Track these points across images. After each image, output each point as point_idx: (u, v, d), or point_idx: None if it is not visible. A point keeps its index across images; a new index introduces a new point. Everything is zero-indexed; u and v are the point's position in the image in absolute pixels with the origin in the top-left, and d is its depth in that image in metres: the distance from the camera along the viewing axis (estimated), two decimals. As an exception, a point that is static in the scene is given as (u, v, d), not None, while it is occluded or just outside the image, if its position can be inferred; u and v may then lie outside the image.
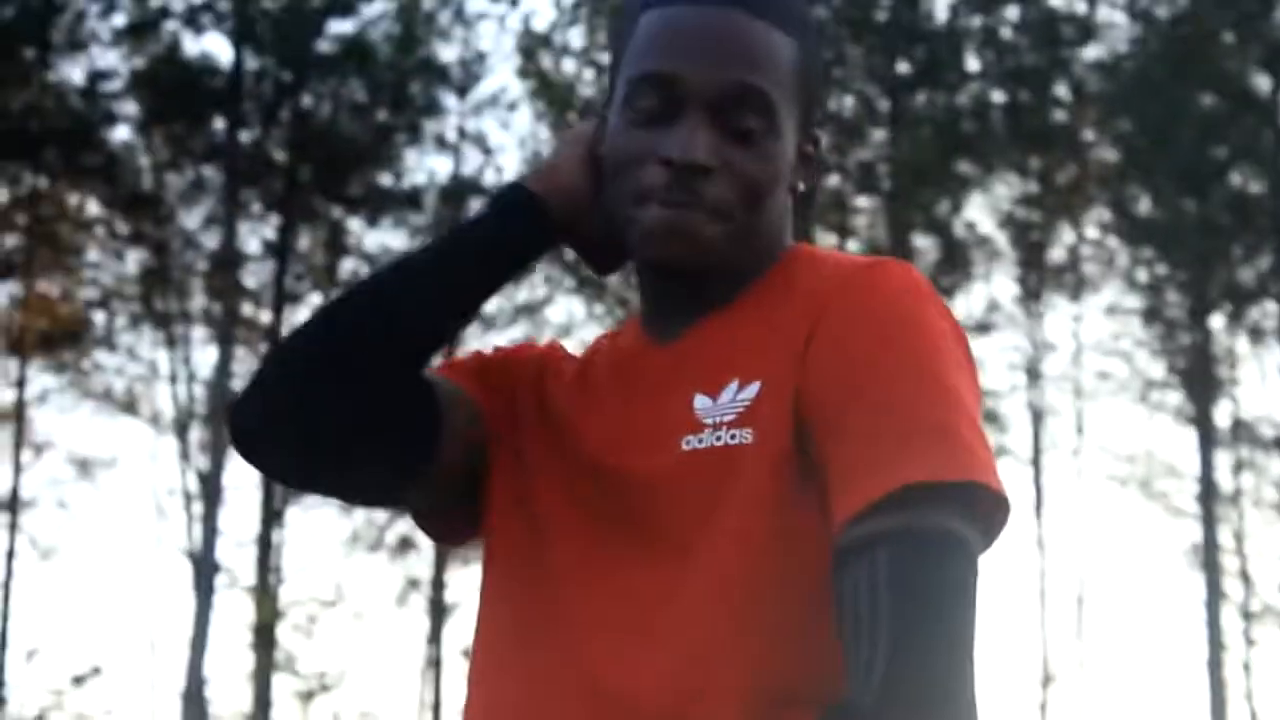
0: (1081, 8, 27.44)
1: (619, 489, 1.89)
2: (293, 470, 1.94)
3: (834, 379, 1.77)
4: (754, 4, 1.90)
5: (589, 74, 28.06)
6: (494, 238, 1.95)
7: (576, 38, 27.98)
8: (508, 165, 28.70)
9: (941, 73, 26.70)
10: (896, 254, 23.93)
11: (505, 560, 1.96)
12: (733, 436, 1.82)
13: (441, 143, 28.39)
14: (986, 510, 1.71)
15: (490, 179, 28.18)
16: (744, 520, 1.79)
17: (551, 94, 28.03)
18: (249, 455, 1.94)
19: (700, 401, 1.87)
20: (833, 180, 27.69)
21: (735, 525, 1.79)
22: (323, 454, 1.92)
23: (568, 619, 1.88)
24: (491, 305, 24.27)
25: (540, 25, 28.07)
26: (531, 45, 28.05)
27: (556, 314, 29.64)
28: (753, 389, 1.84)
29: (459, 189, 27.96)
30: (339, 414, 1.90)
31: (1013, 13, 27.06)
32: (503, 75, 50.68)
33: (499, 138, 50.61)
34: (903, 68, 27.29)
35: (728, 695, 1.76)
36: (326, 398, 1.89)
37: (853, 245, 27.38)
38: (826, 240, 27.67)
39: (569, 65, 28.38)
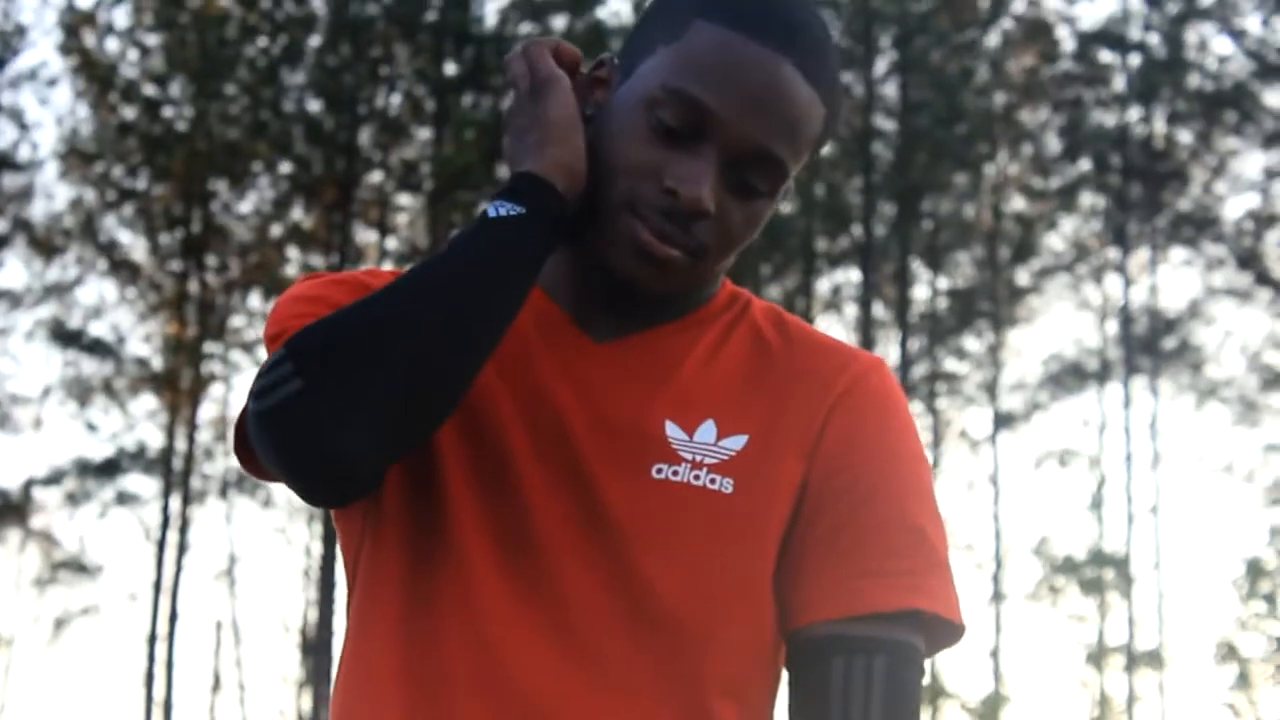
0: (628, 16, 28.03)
1: (590, 494, 1.86)
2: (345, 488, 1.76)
3: (851, 479, 1.86)
4: (810, 67, 1.87)
5: (133, 54, 27.47)
6: (526, 235, 1.83)
7: (122, 17, 27.39)
8: (43, 141, 27.81)
9: (488, 76, 26.94)
10: (434, 252, 24.13)
11: (455, 506, 1.87)
12: (712, 480, 1.85)
13: (-26, 114, 27.39)
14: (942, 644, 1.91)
15: (24, 154, 27.35)
16: (709, 566, 1.82)
17: (93, 72, 27.35)
18: (329, 481, 1.73)
19: (674, 431, 1.87)
20: (375, 177, 27.71)
21: (700, 568, 1.82)
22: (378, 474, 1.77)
23: (486, 598, 1.84)
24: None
25: (84, 2, 27.25)
26: (74, 22, 27.32)
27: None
28: (739, 440, 1.87)
29: (-10, 162, 27.02)
30: (418, 429, 1.76)
31: (560, 22, 27.46)
32: (43, 50, 48.95)
33: (36, 113, 48.78)
34: (450, 69, 27.44)
35: None
36: (416, 416, 1.75)
37: (392, 243, 27.44)
38: (367, 237, 27.68)
39: (112, 44, 27.76)
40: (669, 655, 1.81)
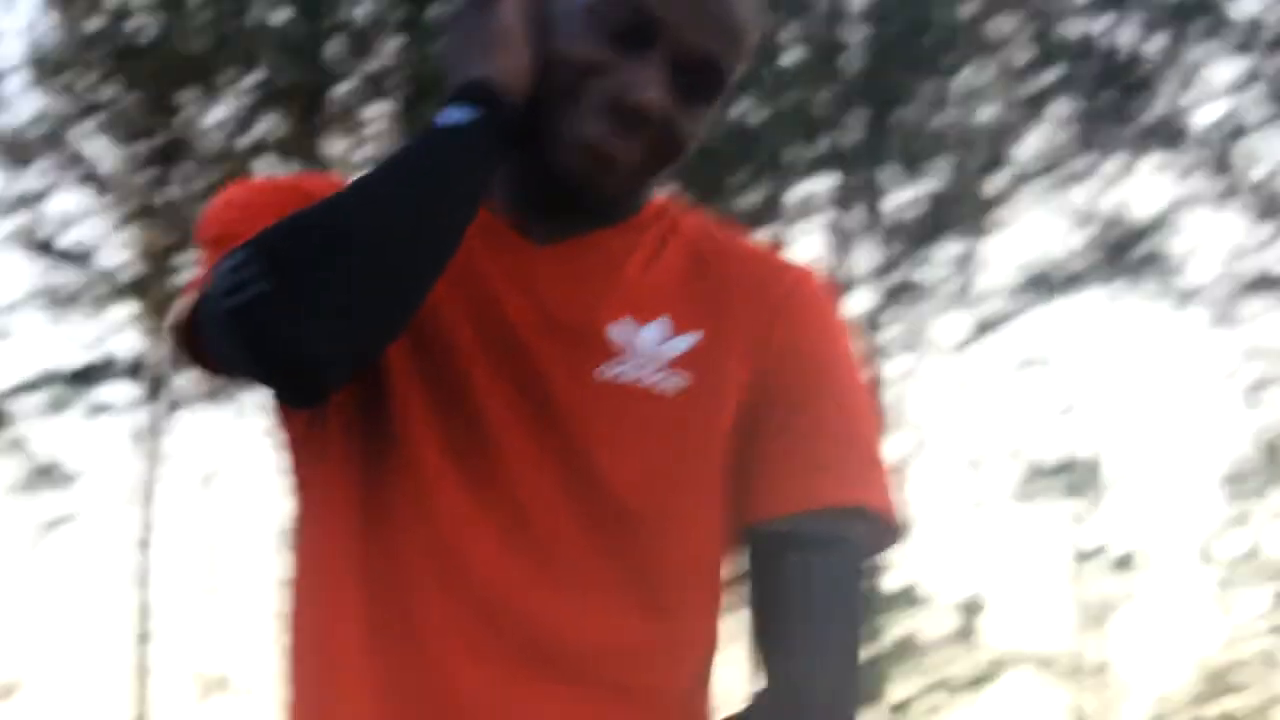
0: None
1: (540, 393, 1.91)
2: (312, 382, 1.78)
3: (798, 379, 1.95)
4: None
5: (99, -37, 27.26)
6: (481, 140, 1.84)
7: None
8: (9, 51, 27.68)
9: (457, -15, 26.74)
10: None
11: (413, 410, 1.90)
12: (661, 379, 1.92)
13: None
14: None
15: (-9, 65, 27.15)
16: (661, 462, 1.90)
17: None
18: (293, 373, 1.77)
19: (621, 331, 1.94)
20: (345, 88, 27.53)
21: (652, 465, 1.90)
22: (348, 370, 1.80)
23: (447, 506, 1.88)
24: None
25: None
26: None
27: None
28: (686, 340, 1.94)
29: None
30: (387, 330, 1.80)
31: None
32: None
33: (2, 22, 48.41)
34: (419, -24, 27.23)
35: (622, 631, 1.88)
36: (385, 318, 1.78)
37: (363, 153, 27.32)
38: (337, 147, 27.54)
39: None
40: (625, 551, 1.88)
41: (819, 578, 1.89)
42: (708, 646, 1.96)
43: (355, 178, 1.83)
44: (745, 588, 1.93)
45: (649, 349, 1.92)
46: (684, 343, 1.93)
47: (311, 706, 1.94)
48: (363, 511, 1.89)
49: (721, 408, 1.92)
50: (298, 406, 1.80)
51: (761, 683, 1.91)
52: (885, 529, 1.97)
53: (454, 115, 1.86)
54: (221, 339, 1.78)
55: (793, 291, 1.98)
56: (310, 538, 1.96)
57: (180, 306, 1.90)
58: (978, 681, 27.75)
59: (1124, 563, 28.51)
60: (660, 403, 1.90)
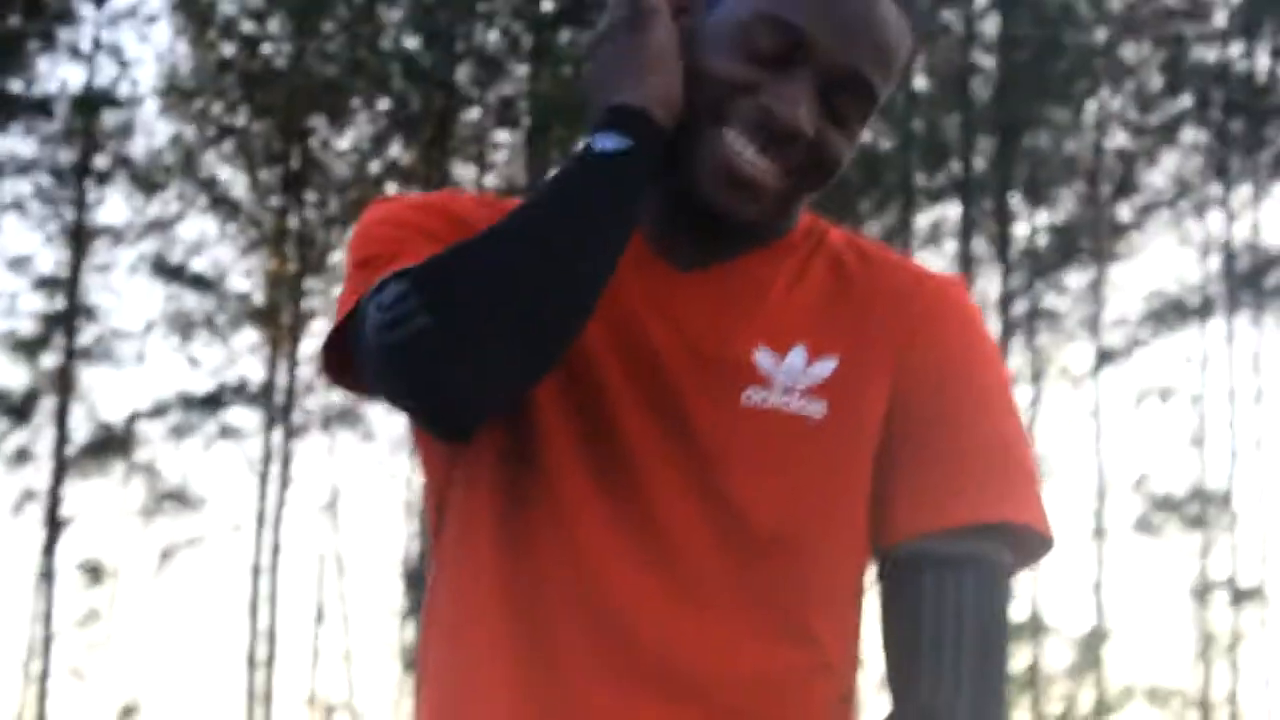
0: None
1: (682, 422, 1.86)
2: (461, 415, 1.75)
3: (937, 395, 1.88)
4: None
5: (232, -9, 27.63)
6: (633, 169, 1.79)
7: (220, -47, 27.51)
8: (143, 78, 28.05)
9: (584, 11, 26.89)
10: (533, 188, 24.18)
11: (554, 439, 1.87)
12: (804, 405, 1.86)
13: (75, 52, 27.63)
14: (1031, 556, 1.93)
15: (125, 91, 27.61)
16: (802, 490, 1.84)
17: (192, 9, 27.51)
18: (437, 411, 1.74)
19: (764, 357, 1.87)
20: (473, 114, 27.75)
21: (793, 492, 1.84)
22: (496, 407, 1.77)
23: (586, 537, 1.84)
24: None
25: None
26: (173, -42, 27.48)
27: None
28: (828, 364, 1.88)
29: (91, 99, 27.27)
30: (543, 367, 1.76)
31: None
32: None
33: (136, 50, 49.17)
34: (547, 5, 27.41)
35: (759, 657, 1.82)
36: (542, 355, 1.75)
37: (490, 179, 27.49)
38: (465, 173, 27.73)
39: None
40: (763, 578, 1.83)
41: (953, 599, 1.85)
42: (845, 674, 1.90)
43: (511, 210, 1.78)
44: (881, 610, 1.90)
45: (791, 376, 1.87)
46: (825, 368, 1.88)
47: (446, 698, 1.90)
48: (504, 536, 1.87)
49: (862, 432, 1.88)
50: (448, 441, 1.76)
51: (891, 710, 1.86)
52: (1034, 543, 1.91)
53: (607, 143, 1.79)
54: (379, 372, 1.75)
55: (934, 304, 1.93)
56: (451, 561, 1.92)
57: (328, 327, 1.88)
58: (1101, 714, 27.51)
59: (1250, 595, 28.20)
60: (802, 429, 1.86)
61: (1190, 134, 28.37)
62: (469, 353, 1.70)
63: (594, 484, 1.85)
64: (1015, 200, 28.22)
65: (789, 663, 1.84)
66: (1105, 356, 28.85)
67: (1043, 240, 28.67)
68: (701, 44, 1.87)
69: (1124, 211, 28.95)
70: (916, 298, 1.92)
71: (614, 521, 1.84)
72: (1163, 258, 27.22)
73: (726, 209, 1.84)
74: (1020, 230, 28.51)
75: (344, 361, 1.90)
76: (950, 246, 28.04)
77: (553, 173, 1.80)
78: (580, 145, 1.81)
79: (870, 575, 1.92)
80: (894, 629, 1.86)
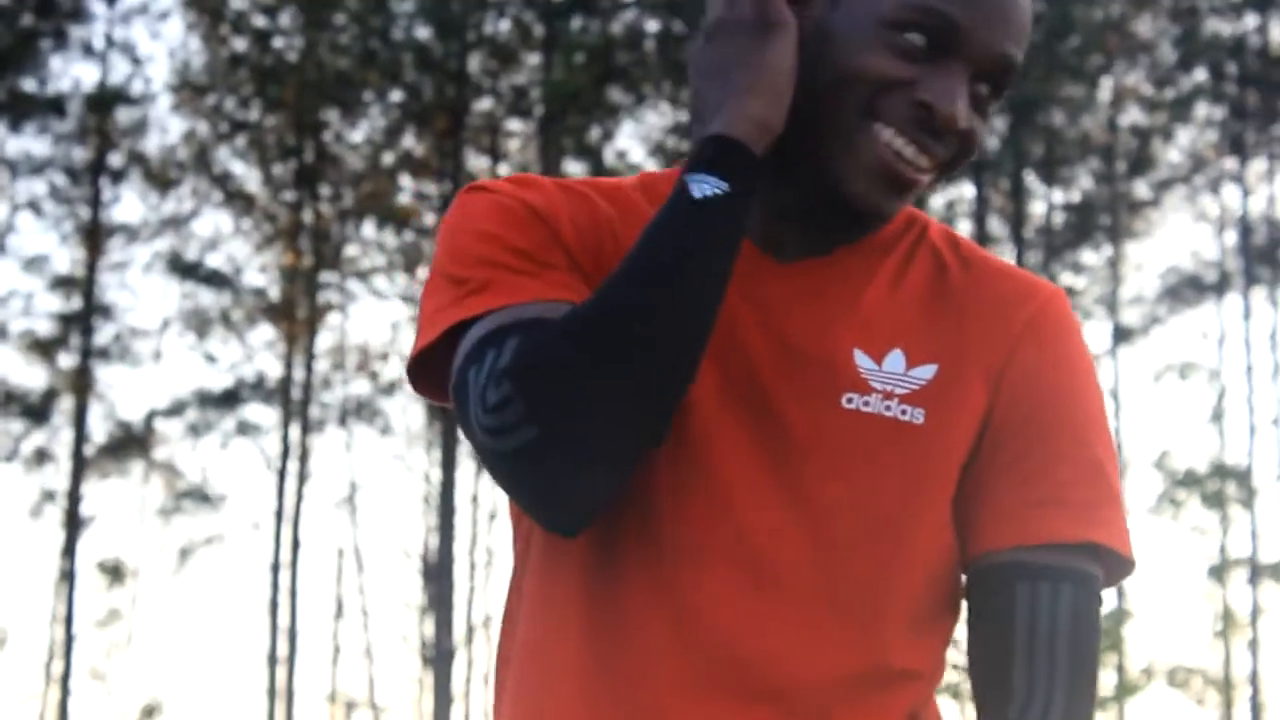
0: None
1: (775, 422, 1.83)
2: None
3: (1039, 411, 1.85)
4: None
5: (242, -15, 27.65)
6: (734, 214, 1.74)
7: (230, -51, 27.53)
8: (156, 75, 28.09)
9: (596, 0, 26.90)
10: (549, 175, 24.28)
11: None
12: (903, 411, 1.82)
13: (88, 50, 27.66)
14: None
15: (138, 88, 27.61)
16: (897, 497, 1.81)
17: (203, 4, 27.53)
18: (561, 505, 1.71)
19: (863, 359, 1.84)
20: (485, 103, 27.75)
21: (886, 499, 1.81)
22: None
23: (688, 536, 1.81)
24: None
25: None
26: (183, -46, 27.50)
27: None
28: (928, 370, 1.84)
29: (105, 97, 27.29)
30: (655, 444, 1.74)
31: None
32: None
33: (148, 47, 49.20)
34: (558, -7, 27.43)
35: (841, 660, 1.79)
36: (655, 435, 1.72)
37: (504, 169, 27.49)
38: (479, 163, 27.74)
39: (221, -24, 27.93)
40: (849, 582, 1.81)
41: (1049, 611, 1.82)
42: (928, 681, 1.88)
43: (607, 285, 1.70)
44: (969, 621, 1.88)
45: (888, 380, 1.83)
46: (924, 374, 1.85)
47: (522, 716, 1.88)
48: (587, 543, 1.83)
49: (958, 441, 1.84)
50: (564, 534, 1.75)
51: (980, 717, 1.85)
52: (1119, 566, 1.88)
53: (704, 187, 1.72)
54: (489, 469, 1.72)
55: (1036, 316, 1.88)
56: (533, 569, 1.89)
57: (416, 345, 1.83)
58: (1123, 693, 27.48)
59: (1270, 572, 28.18)
60: (897, 434, 1.82)
61: (1205, 109, 28.36)
62: (578, 461, 1.68)
63: (679, 479, 1.81)
64: (1030, 179, 28.22)
65: (871, 668, 1.82)
66: (1123, 334, 28.85)
67: (1058, 218, 28.68)
68: (836, 38, 1.81)
69: (1140, 188, 28.95)
70: (1020, 308, 1.88)
71: (698, 519, 1.81)
72: (1179, 234, 27.08)
73: (877, 206, 1.80)
74: (1035, 209, 28.54)
75: (435, 379, 1.86)
76: (965, 226, 28.03)
77: (648, 228, 1.73)
78: (678, 186, 1.73)
79: (956, 585, 1.89)
80: (985, 638, 1.84)
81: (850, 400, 1.81)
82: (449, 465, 26.20)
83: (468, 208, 1.88)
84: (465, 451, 26.54)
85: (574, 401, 1.67)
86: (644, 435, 1.70)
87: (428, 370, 1.86)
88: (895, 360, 1.84)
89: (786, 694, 1.78)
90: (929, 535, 1.84)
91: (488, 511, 28.72)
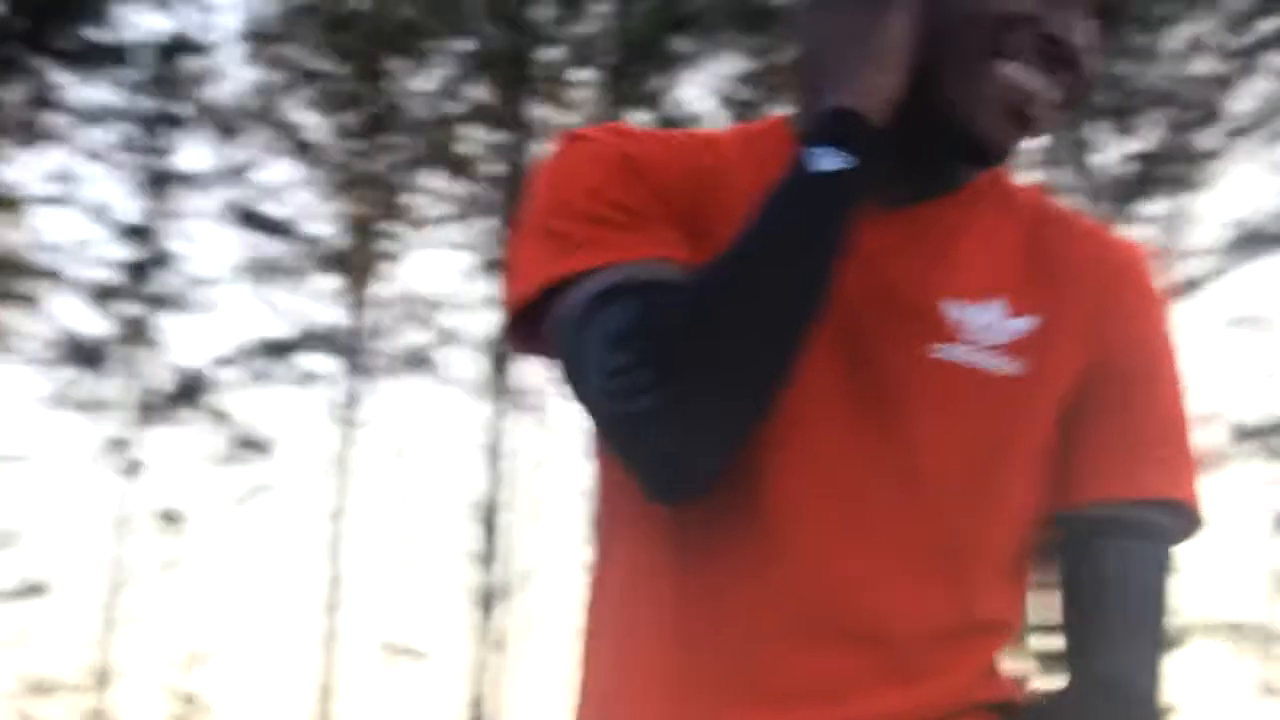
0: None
1: (872, 371, 1.82)
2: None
3: (1130, 367, 1.91)
4: None
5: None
6: (856, 188, 1.73)
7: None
8: (226, 23, 28.06)
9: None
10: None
11: None
12: (996, 363, 1.84)
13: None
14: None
15: (206, 37, 27.54)
16: (988, 447, 1.84)
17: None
18: (681, 482, 1.71)
19: (957, 309, 1.85)
20: (552, 53, 27.65)
21: (977, 448, 1.83)
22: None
23: (786, 498, 1.80)
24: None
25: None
26: (251, -98, 27.41)
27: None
28: (1023, 323, 1.87)
29: (173, 46, 27.26)
30: (759, 424, 1.73)
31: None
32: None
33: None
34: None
35: (931, 608, 1.82)
36: (770, 404, 1.72)
37: (570, 118, 27.41)
38: (544, 114, 27.67)
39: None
40: (939, 531, 1.81)
41: (1139, 568, 1.87)
42: (1010, 630, 1.91)
43: (727, 255, 1.70)
44: (1056, 573, 1.91)
45: (985, 331, 1.85)
46: (1020, 326, 1.87)
47: (609, 683, 1.88)
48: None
49: (1052, 395, 1.87)
50: (672, 504, 1.74)
51: (1070, 669, 1.88)
52: (1191, 525, 1.94)
53: (826, 161, 1.71)
54: (607, 436, 1.74)
55: (1124, 273, 1.93)
56: (621, 533, 1.89)
57: (514, 298, 1.79)
58: (1171, 647, 27.52)
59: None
60: (992, 387, 1.83)
61: (1276, 58, 28.16)
62: (702, 428, 1.68)
63: (774, 431, 1.79)
64: (1096, 129, 28.09)
65: (963, 616, 1.83)
66: (1189, 285, 28.74)
67: (1124, 169, 28.54)
68: None
69: (1207, 139, 28.78)
70: (1108, 265, 1.92)
71: (791, 466, 1.80)
72: (1246, 184, 26.96)
73: (1004, 143, 1.81)
74: (1102, 160, 28.40)
75: (536, 335, 1.84)
76: (1030, 177, 27.94)
77: (769, 200, 1.72)
78: (798, 158, 1.73)
79: (1037, 537, 1.91)
80: (1075, 592, 1.87)
81: (939, 350, 1.83)
82: (500, 414, 26.26)
83: (567, 158, 1.86)
84: (517, 401, 26.60)
85: (700, 369, 1.66)
86: (762, 404, 1.70)
87: (518, 321, 1.85)
88: (990, 312, 1.86)
89: (883, 641, 1.78)
90: (1022, 486, 1.86)
91: (535, 460, 28.78)
